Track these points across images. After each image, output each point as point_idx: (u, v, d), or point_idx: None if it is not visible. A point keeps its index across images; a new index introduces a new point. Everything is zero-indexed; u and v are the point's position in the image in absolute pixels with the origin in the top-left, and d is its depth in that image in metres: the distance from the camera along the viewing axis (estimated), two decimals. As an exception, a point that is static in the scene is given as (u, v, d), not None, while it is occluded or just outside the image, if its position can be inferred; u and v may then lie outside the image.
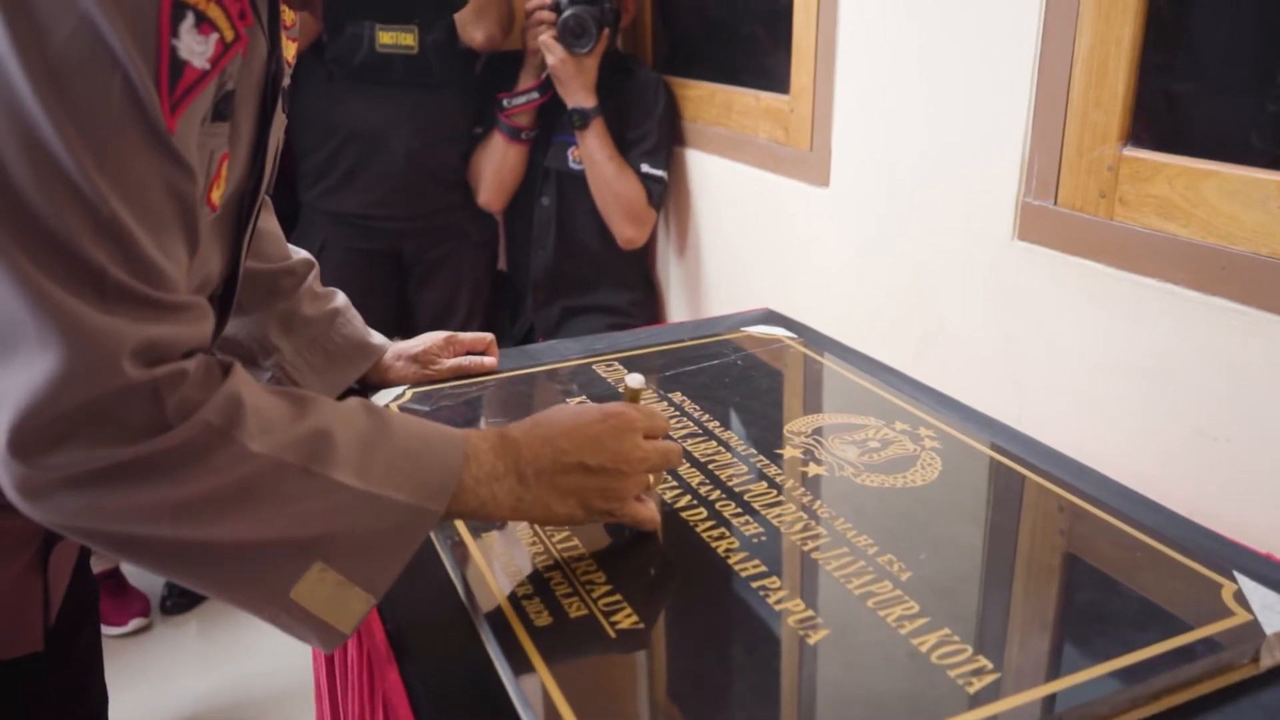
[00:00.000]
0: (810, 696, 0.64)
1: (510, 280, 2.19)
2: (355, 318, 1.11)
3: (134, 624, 2.05)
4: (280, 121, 0.76)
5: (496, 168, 1.99)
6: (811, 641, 0.68)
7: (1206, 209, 0.99)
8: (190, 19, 0.56)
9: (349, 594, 0.64)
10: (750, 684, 0.65)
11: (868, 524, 0.83)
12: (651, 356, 1.22)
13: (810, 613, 0.71)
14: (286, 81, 0.76)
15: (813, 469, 0.92)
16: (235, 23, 0.59)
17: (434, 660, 0.72)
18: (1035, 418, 1.20)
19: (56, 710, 0.84)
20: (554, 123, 1.98)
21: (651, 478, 0.80)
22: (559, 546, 0.79)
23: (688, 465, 0.93)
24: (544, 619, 0.70)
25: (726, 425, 1.02)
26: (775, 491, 0.88)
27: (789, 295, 1.68)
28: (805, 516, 0.84)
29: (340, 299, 1.10)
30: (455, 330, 1.18)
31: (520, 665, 0.66)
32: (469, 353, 1.17)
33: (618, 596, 0.73)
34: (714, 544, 0.80)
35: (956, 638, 0.68)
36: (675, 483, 0.89)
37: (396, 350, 1.13)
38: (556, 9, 1.86)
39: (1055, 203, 1.15)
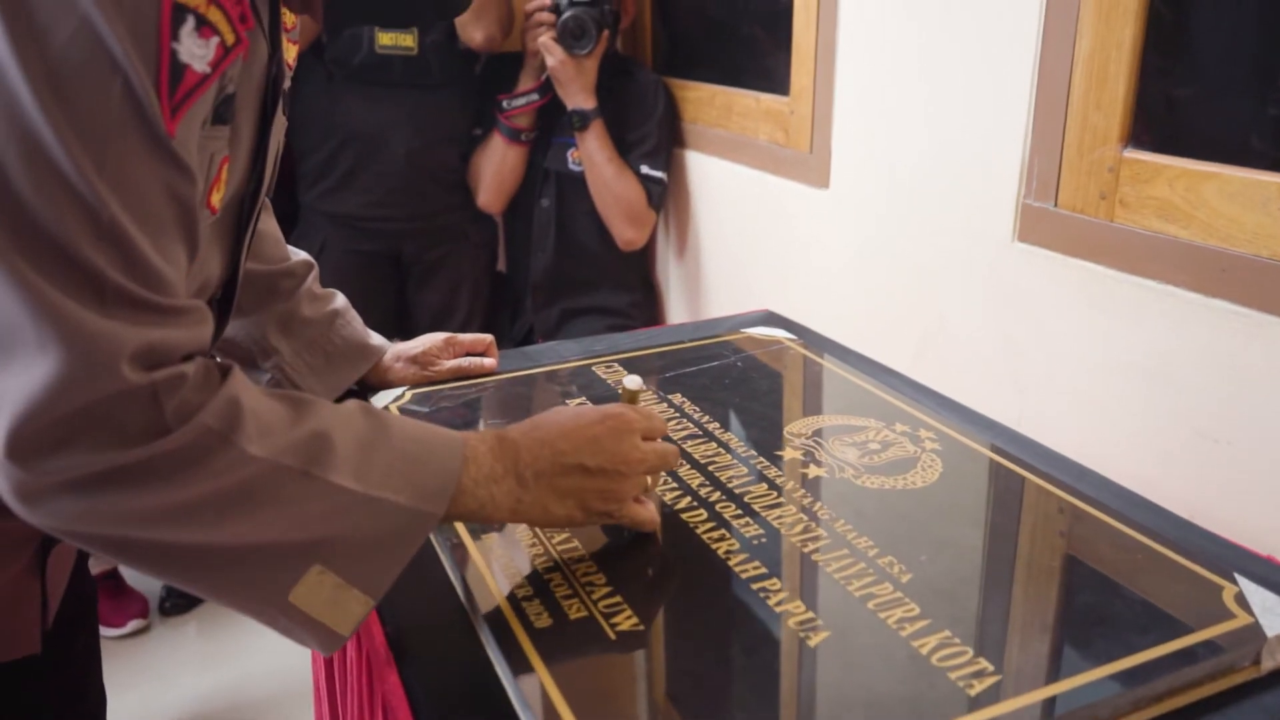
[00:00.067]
0: (810, 698, 0.64)
1: (510, 281, 2.18)
2: (355, 319, 1.10)
3: (132, 625, 2.05)
4: (281, 124, 0.76)
5: (496, 169, 1.99)
6: (812, 643, 0.68)
7: (1207, 211, 0.99)
8: (191, 22, 0.55)
9: (348, 596, 0.64)
10: (750, 686, 0.65)
11: (868, 526, 0.82)
12: (651, 358, 1.22)
13: (810, 614, 0.71)
14: (287, 84, 0.76)
15: (813, 470, 0.92)
16: (236, 26, 0.59)
17: (433, 662, 0.72)
18: (1035, 420, 1.20)
19: (55, 712, 0.84)
20: (554, 124, 1.98)
21: (650, 479, 0.80)
22: (559, 548, 0.79)
23: (688, 467, 0.93)
24: (544, 620, 0.70)
25: (726, 427, 1.01)
26: (775, 493, 0.88)
27: (789, 297, 1.68)
28: (805, 518, 0.84)
29: (339, 300, 1.10)
30: (454, 331, 1.18)
31: (520, 667, 0.66)
32: (468, 354, 1.17)
33: (618, 598, 0.73)
34: (714, 545, 0.80)
35: (957, 640, 0.68)
36: (675, 484, 0.89)
37: (396, 351, 1.13)
38: (556, 10, 1.86)
39: (1055, 204, 1.15)
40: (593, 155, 1.91)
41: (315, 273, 1.07)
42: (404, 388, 1.11)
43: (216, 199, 0.65)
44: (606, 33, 1.88)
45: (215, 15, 0.57)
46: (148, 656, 2.01)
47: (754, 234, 1.79)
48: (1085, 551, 0.81)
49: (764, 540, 0.81)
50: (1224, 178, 0.98)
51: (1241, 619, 0.71)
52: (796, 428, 1.01)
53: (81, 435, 0.54)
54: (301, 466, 0.61)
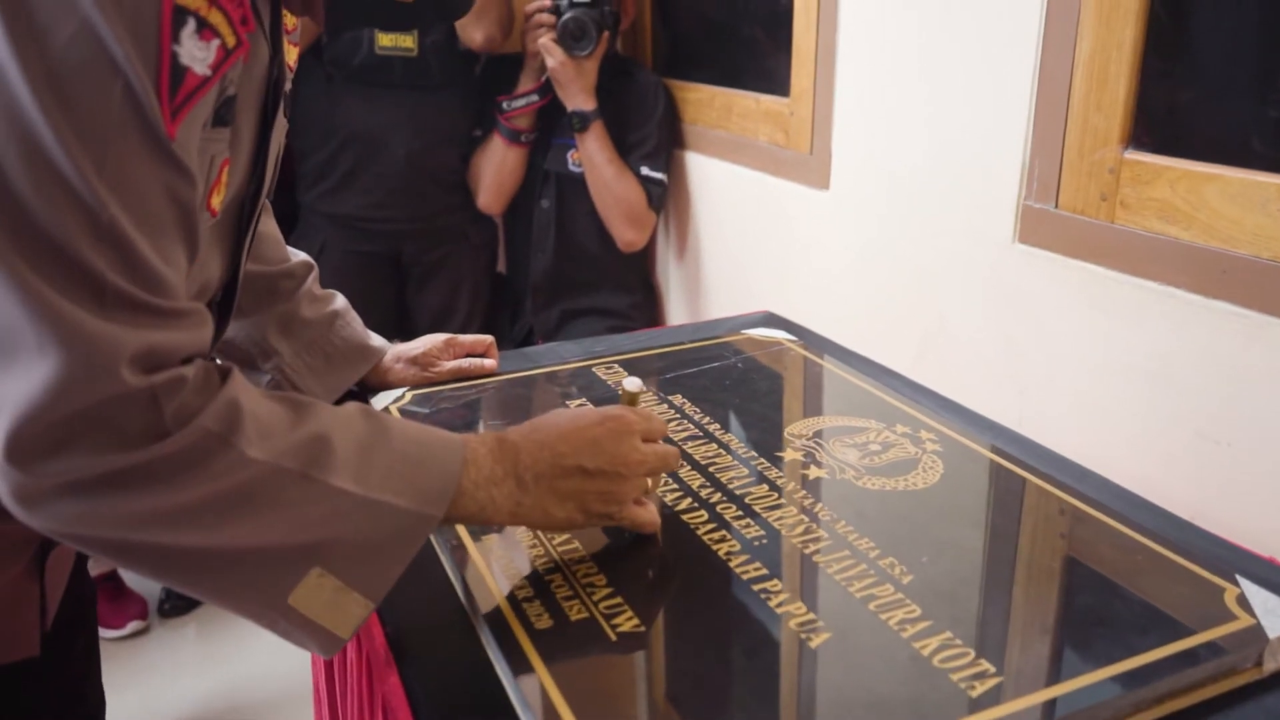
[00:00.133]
0: (811, 700, 0.64)
1: (510, 283, 2.18)
2: (354, 320, 1.10)
3: (132, 627, 2.04)
4: (281, 126, 0.76)
5: (496, 170, 1.99)
6: (812, 644, 0.68)
7: (1208, 212, 0.99)
8: (192, 25, 0.55)
9: (347, 599, 0.64)
10: (751, 687, 0.65)
11: (869, 527, 0.82)
12: (651, 359, 1.22)
13: (811, 616, 0.71)
14: (288, 86, 0.76)
15: (813, 471, 0.92)
16: (237, 28, 0.59)
17: (434, 663, 0.72)
18: (1036, 421, 1.20)
19: (54, 714, 0.84)
20: (554, 125, 1.98)
21: (650, 481, 0.80)
22: (559, 549, 0.79)
23: (688, 468, 0.93)
24: (544, 621, 0.70)
25: (727, 428, 1.01)
26: (776, 494, 0.88)
27: (789, 298, 1.68)
28: (806, 519, 0.84)
29: (339, 301, 1.10)
30: (454, 332, 1.18)
31: (520, 668, 0.66)
32: (469, 355, 1.17)
33: (618, 599, 0.73)
34: (715, 546, 0.80)
35: (958, 641, 0.68)
36: (676, 485, 0.89)
37: (396, 352, 1.13)
38: (556, 11, 1.86)
39: (1056, 206, 1.15)
40: (593, 156, 1.91)
41: (315, 274, 1.07)
42: (404, 389, 1.11)
43: (217, 201, 0.65)
44: (606, 34, 1.88)
45: (216, 18, 0.57)
46: (147, 658, 2.01)
47: (754, 235, 1.79)
48: (1086, 553, 0.80)
49: (765, 541, 0.80)
50: (1225, 179, 0.98)
51: (1243, 620, 0.71)
52: (797, 429, 1.01)
53: (81, 438, 0.54)
54: (301, 469, 0.61)
